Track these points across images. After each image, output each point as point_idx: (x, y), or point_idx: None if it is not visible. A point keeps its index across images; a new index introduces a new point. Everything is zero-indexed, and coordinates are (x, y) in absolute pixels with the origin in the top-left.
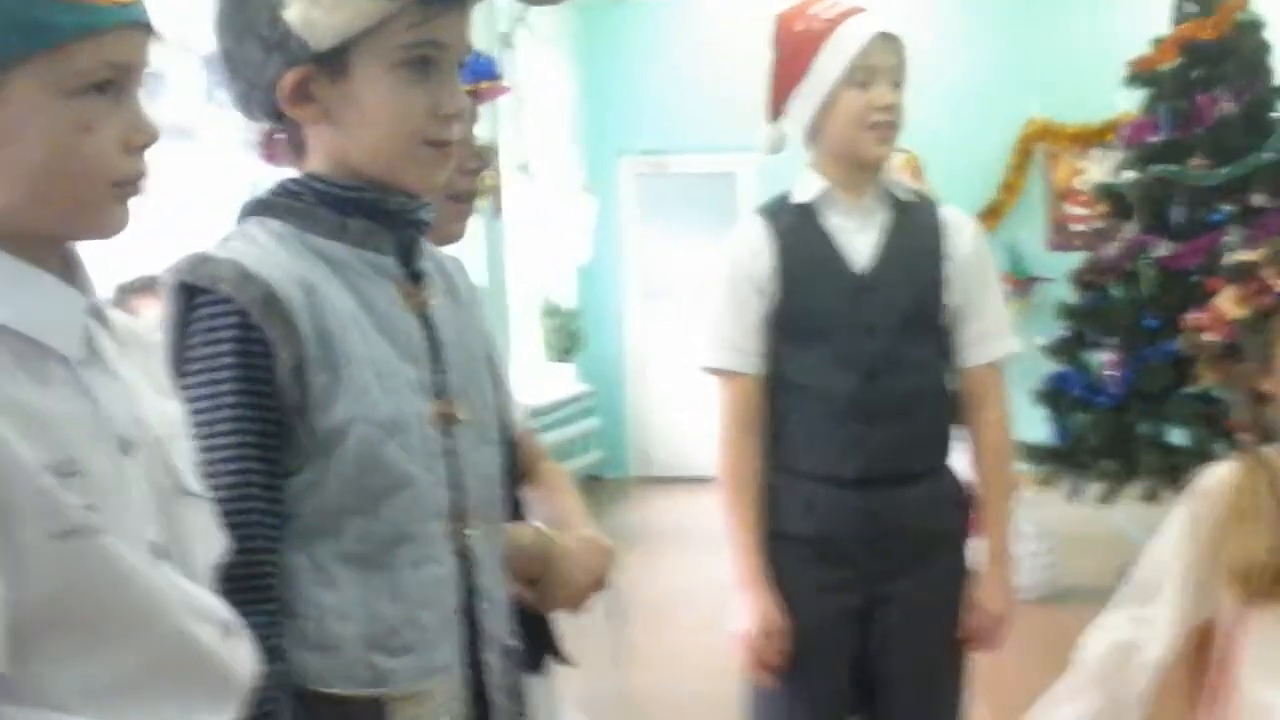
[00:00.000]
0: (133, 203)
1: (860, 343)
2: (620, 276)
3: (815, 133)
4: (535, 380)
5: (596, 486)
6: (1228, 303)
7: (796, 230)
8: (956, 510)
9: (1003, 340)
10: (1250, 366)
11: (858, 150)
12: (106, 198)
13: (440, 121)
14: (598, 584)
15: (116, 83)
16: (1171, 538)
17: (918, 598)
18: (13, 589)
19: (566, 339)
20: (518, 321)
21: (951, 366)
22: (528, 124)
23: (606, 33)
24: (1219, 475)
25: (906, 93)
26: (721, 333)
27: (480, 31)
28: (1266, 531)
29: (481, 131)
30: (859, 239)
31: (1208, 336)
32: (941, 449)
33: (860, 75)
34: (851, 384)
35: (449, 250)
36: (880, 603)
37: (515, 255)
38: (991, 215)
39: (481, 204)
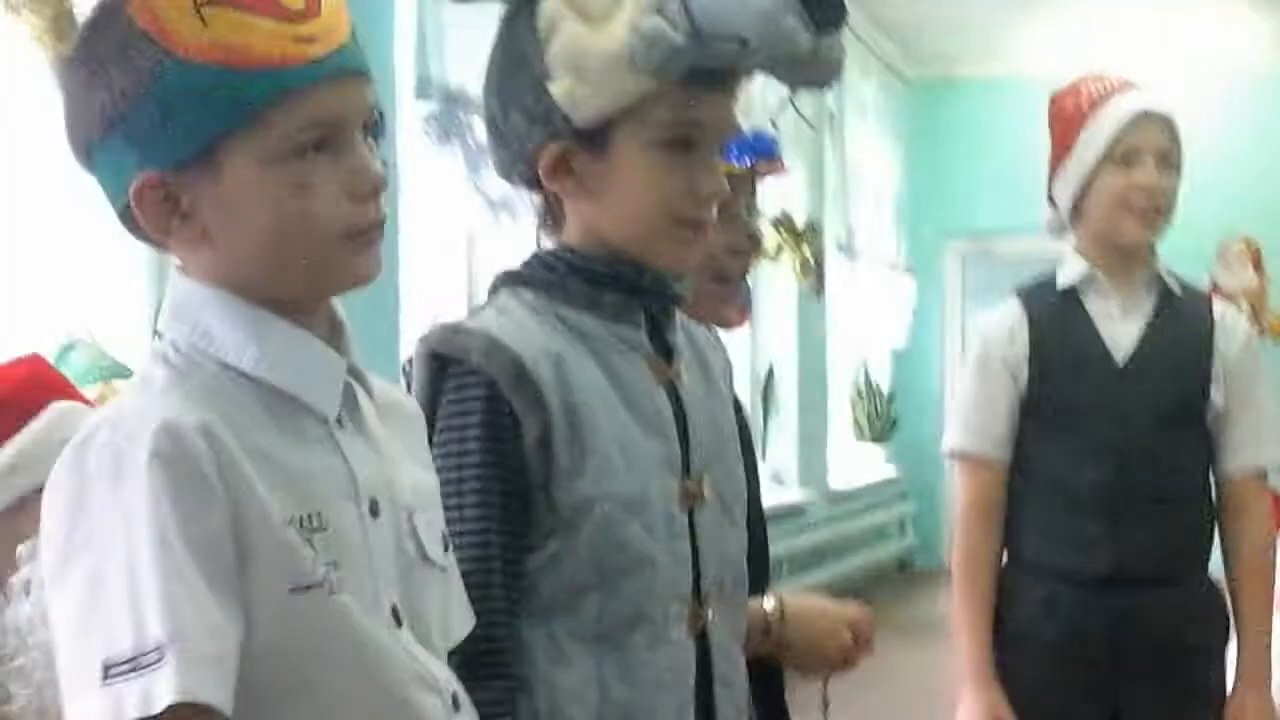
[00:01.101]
0: (373, 249)
1: (1113, 434)
2: (939, 359)
3: (1077, 214)
4: (845, 462)
5: (908, 575)
6: None
7: (1055, 313)
8: (1211, 622)
9: (1269, 447)
10: None
11: (1118, 233)
12: (339, 251)
13: (697, 202)
14: (844, 653)
15: (329, 138)
16: None
17: (1162, 710)
18: (244, 636)
19: (880, 421)
20: (833, 402)
21: (1214, 471)
22: (852, 202)
23: (934, 112)
24: None
25: (1243, 177)
26: (969, 416)
27: (806, 108)
28: None
29: (807, 208)
30: (1121, 327)
31: None
32: (1196, 554)
33: (1122, 154)
34: (1101, 476)
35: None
36: (1123, 712)
37: (834, 335)
38: None
39: (802, 282)
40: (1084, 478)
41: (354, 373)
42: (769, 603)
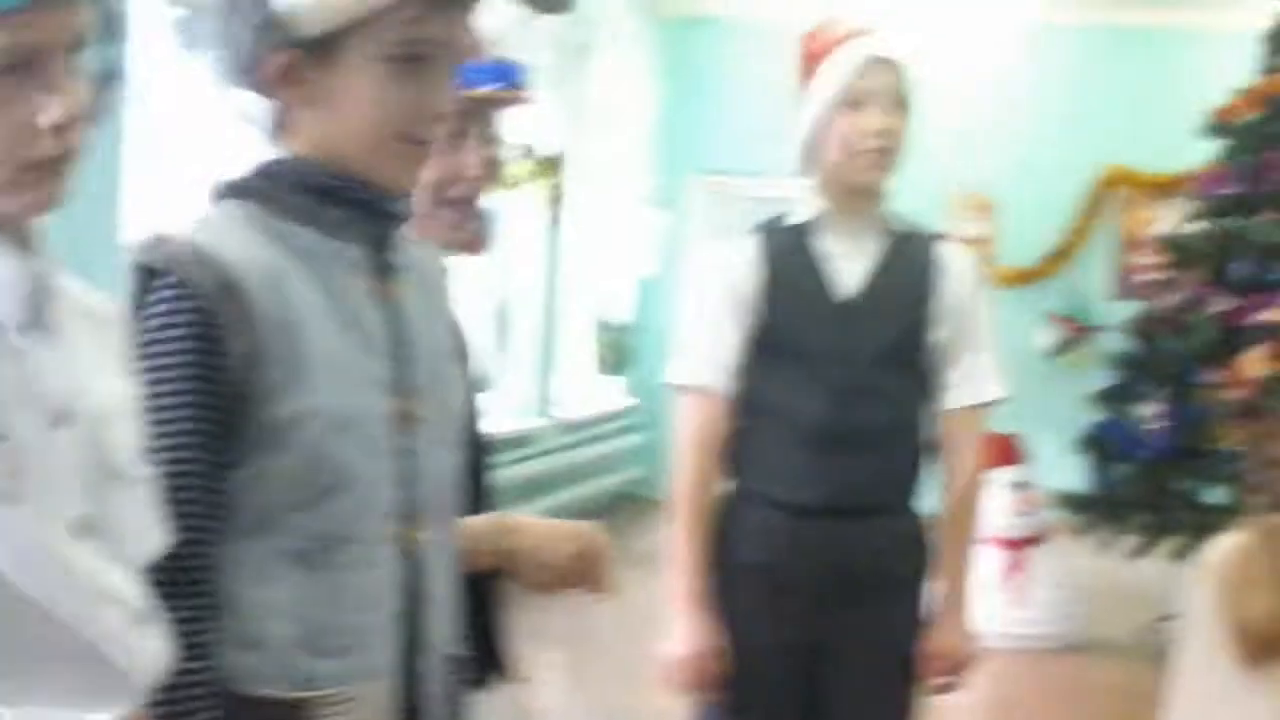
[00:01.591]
0: (52, 181)
1: (836, 370)
2: (680, 294)
3: (812, 155)
4: (583, 392)
5: (635, 505)
6: (1251, 362)
7: (787, 251)
8: (917, 551)
9: (986, 385)
10: (1265, 428)
11: (849, 174)
12: (20, 179)
13: (423, 120)
14: (574, 572)
15: (25, 64)
16: (1201, 608)
17: (869, 636)
18: None
19: (617, 353)
20: (571, 332)
21: (931, 406)
22: (600, 134)
23: (687, 49)
24: (1229, 543)
25: (979, 131)
26: (695, 349)
27: (559, 39)
28: (1269, 596)
29: (556, 139)
30: (849, 266)
31: (1231, 394)
32: (907, 488)
33: (852, 97)
34: (821, 411)
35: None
36: (831, 638)
37: (575, 266)
38: (1059, 259)
39: (548, 212)
40: (806, 412)
41: (39, 279)
42: (494, 519)
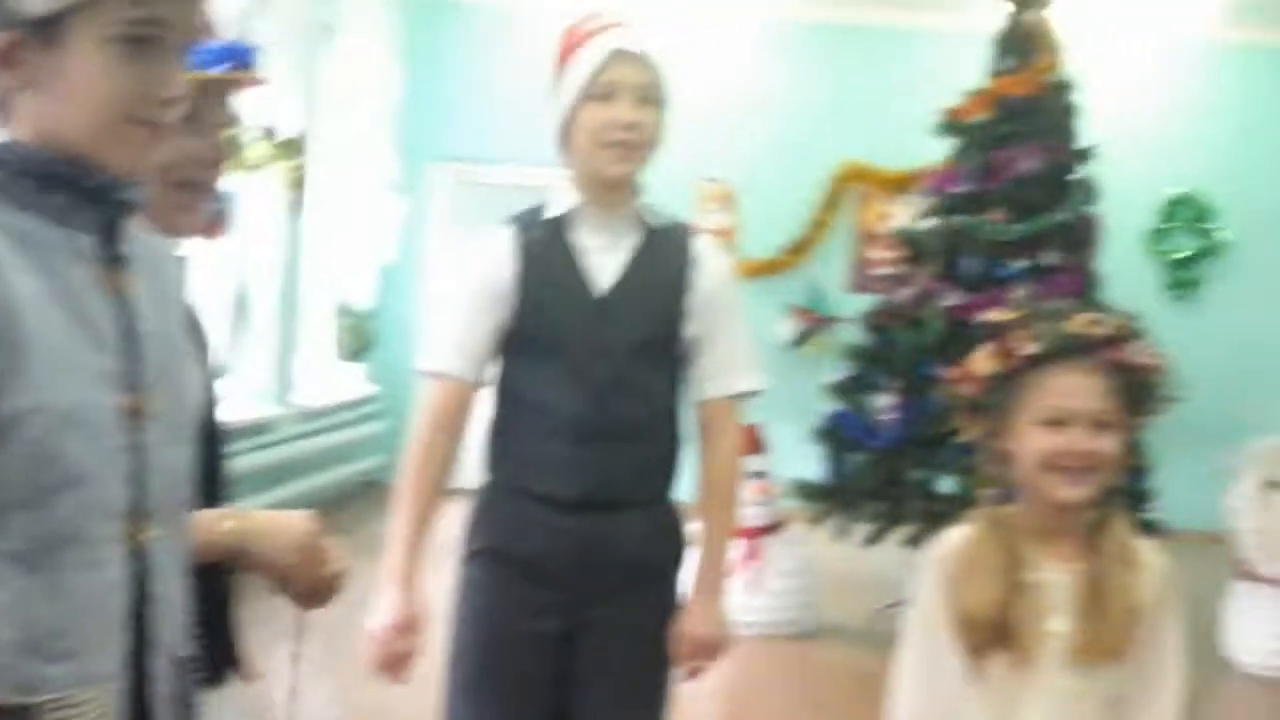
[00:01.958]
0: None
1: (593, 365)
2: (422, 281)
3: (564, 148)
4: (323, 380)
5: (375, 492)
6: (979, 359)
7: (543, 244)
8: (671, 541)
9: (741, 376)
10: (992, 425)
11: (598, 167)
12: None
13: (153, 102)
14: (303, 563)
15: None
16: (928, 596)
17: (622, 625)
18: None
19: (358, 340)
20: (311, 318)
21: (687, 398)
22: (342, 118)
23: (435, 33)
24: (956, 534)
25: (722, 124)
26: (445, 338)
27: (299, 19)
28: (992, 588)
29: (296, 121)
30: (604, 259)
31: (960, 390)
32: (664, 479)
33: (601, 90)
34: (580, 405)
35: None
36: (584, 628)
37: (315, 251)
38: (798, 251)
39: (288, 196)
40: (564, 406)
41: None
42: (224, 518)
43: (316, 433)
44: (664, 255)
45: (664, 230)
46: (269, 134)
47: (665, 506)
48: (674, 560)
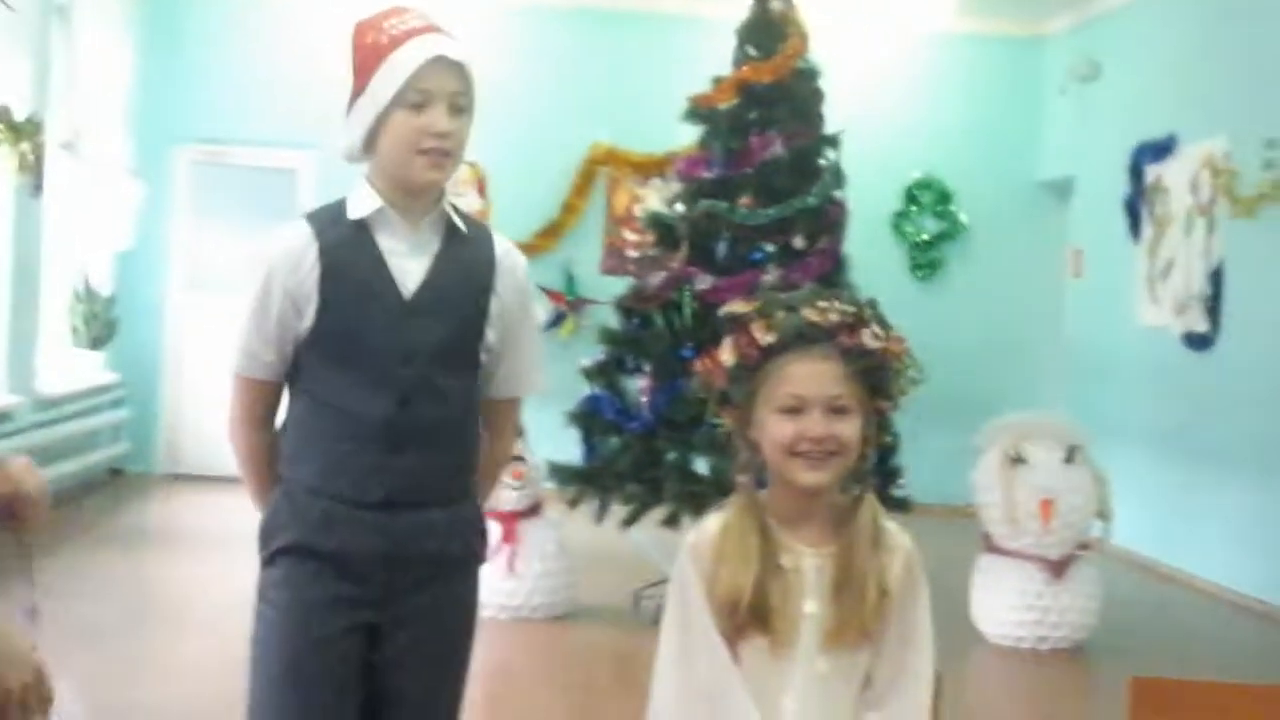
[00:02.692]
0: None
1: (397, 369)
2: (163, 266)
3: (370, 149)
4: (62, 367)
5: (119, 480)
6: (724, 350)
7: (345, 245)
8: (473, 535)
9: (532, 379)
10: (738, 414)
11: (408, 174)
12: None
13: None
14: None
15: None
16: (686, 578)
17: (428, 616)
18: None
19: (98, 326)
20: (50, 305)
21: (483, 398)
22: (80, 99)
23: (173, 14)
24: (713, 518)
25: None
26: (249, 339)
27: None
28: (746, 571)
29: (28, 102)
30: (408, 264)
31: (710, 381)
32: (465, 478)
33: (415, 98)
34: (385, 409)
35: None
36: (391, 620)
37: (53, 236)
38: (550, 234)
39: (20, 179)
40: (368, 410)
41: None
42: None
43: (56, 421)
44: (467, 260)
45: (466, 235)
46: (2, 115)
47: (468, 502)
48: (476, 553)
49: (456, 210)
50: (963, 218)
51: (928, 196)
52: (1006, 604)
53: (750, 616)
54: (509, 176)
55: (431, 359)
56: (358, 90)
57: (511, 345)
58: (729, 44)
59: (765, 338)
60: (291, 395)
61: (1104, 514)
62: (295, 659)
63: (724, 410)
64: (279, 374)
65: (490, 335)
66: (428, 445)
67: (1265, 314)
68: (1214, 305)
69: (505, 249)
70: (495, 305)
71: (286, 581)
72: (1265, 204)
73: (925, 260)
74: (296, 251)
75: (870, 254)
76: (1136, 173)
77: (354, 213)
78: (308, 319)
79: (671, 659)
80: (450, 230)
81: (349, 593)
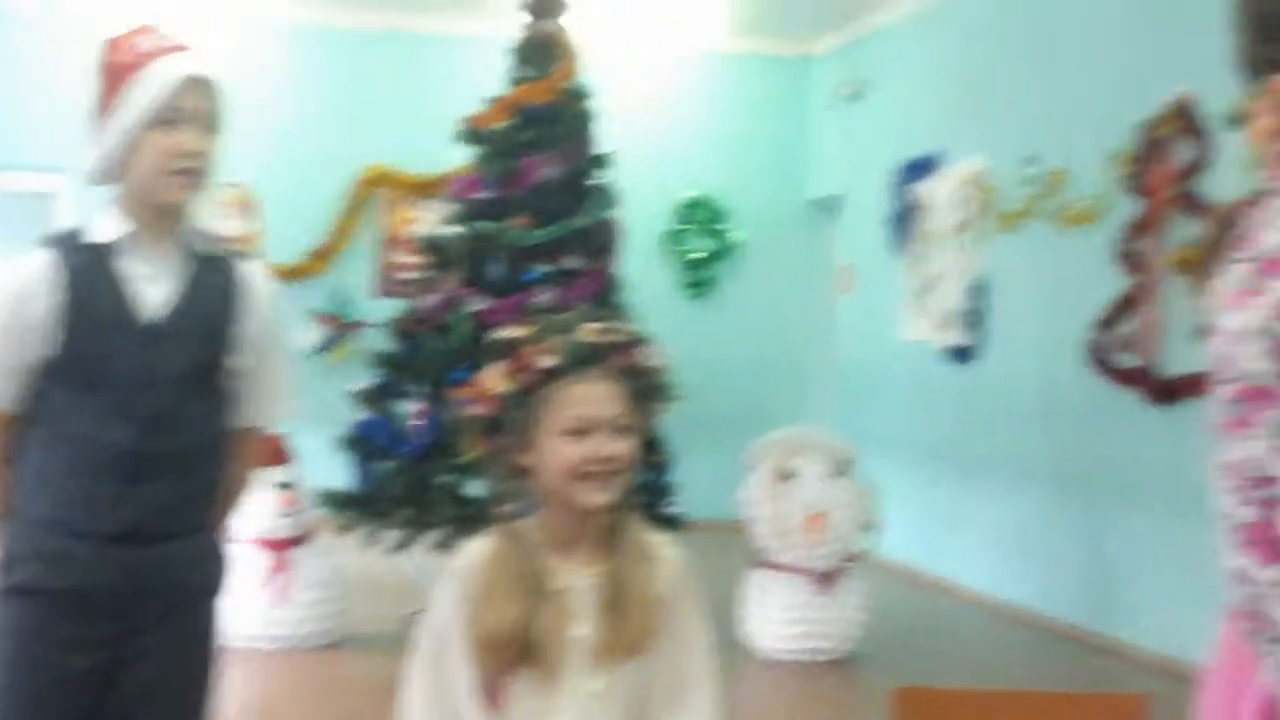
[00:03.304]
0: None
1: (140, 397)
2: None
3: (118, 171)
4: None
5: None
6: (492, 377)
7: (87, 271)
8: (215, 566)
9: (280, 407)
10: (512, 441)
11: (159, 194)
12: None
13: None
14: None
15: None
16: (443, 610)
17: (170, 648)
18: None
19: None
20: None
21: (230, 426)
22: None
23: None
24: (475, 551)
25: (237, 129)
26: None
27: None
28: (514, 604)
29: None
30: (153, 288)
31: (474, 410)
32: (208, 506)
33: (166, 117)
34: (126, 439)
35: None
36: (128, 659)
37: None
38: (322, 257)
39: None
40: (109, 439)
41: None
42: None
43: None
44: (213, 284)
45: (213, 258)
46: None
47: (208, 533)
48: (217, 584)
49: (205, 233)
50: (735, 236)
51: (700, 215)
52: (776, 618)
53: (518, 653)
54: (280, 199)
55: (176, 386)
56: (106, 109)
57: (260, 371)
58: (499, 64)
59: (544, 361)
60: (32, 426)
61: (870, 526)
62: (25, 705)
63: (487, 439)
64: (18, 404)
65: (237, 361)
66: (170, 474)
67: (1025, 328)
68: (975, 320)
69: (253, 273)
70: (242, 331)
71: (17, 625)
72: (1024, 220)
73: (698, 279)
74: (35, 280)
75: (644, 273)
76: (901, 190)
77: (97, 237)
78: (47, 347)
79: (419, 690)
80: (197, 254)
81: (83, 633)
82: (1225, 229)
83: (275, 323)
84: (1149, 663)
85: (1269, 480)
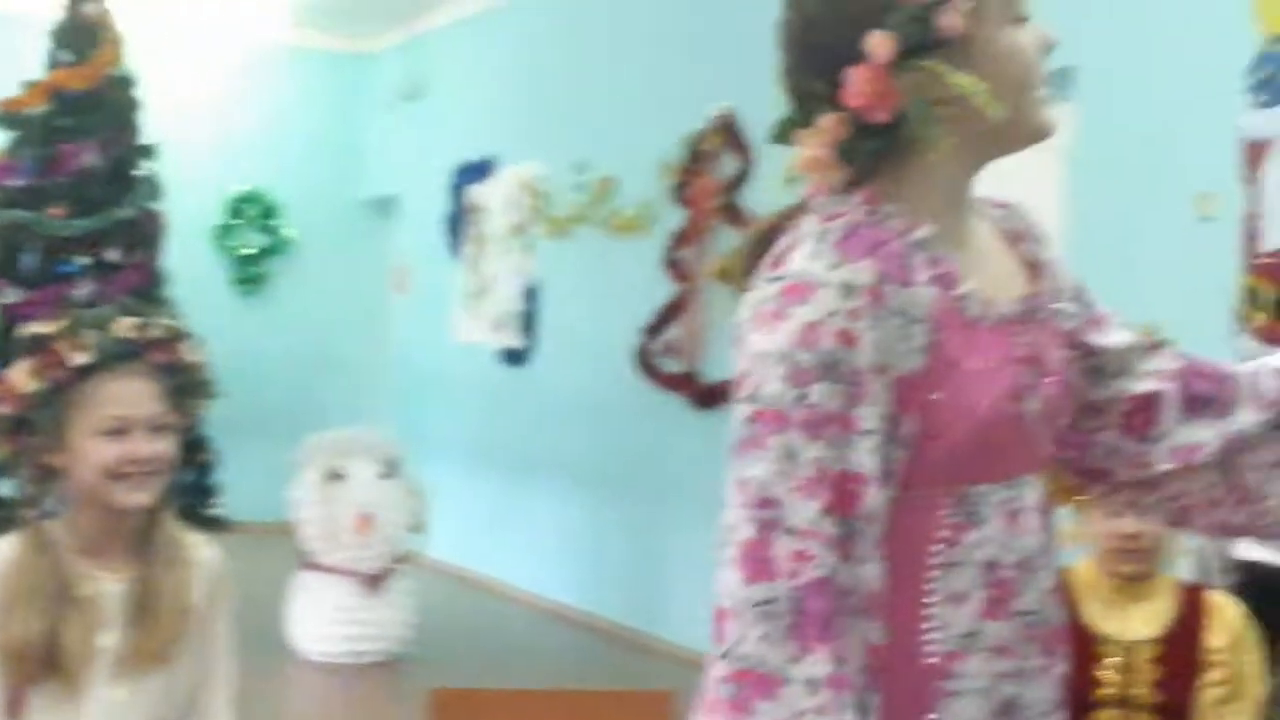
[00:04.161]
0: None
1: None
2: None
3: None
4: None
5: None
6: (20, 375)
7: None
8: None
9: None
10: (41, 441)
11: None
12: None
13: None
14: None
15: None
16: None
17: None
18: None
19: None
20: None
21: None
22: None
23: None
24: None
25: None
26: None
27: None
28: (38, 615)
29: None
30: None
31: (0, 408)
32: None
33: None
34: None
35: None
36: None
37: None
38: None
39: None
40: None
41: None
42: None
43: None
44: None
45: None
46: None
47: None
48: None
49: None
50: (288, 232)
51: (253, 210)
52: (323, 619)
53: (41, 665)
54: None
55: None
56: None
57: None
58: (43, 46)
59: (76, 358)
60: None
61: (419, 527)
62: None
63: (14, 440)
64: None
65: None
66: None
67: (576, 331)
68: (528, 322)
69: None
70: None
71: None
72: (576, 225)
73: (249, 275)
74: None
75: (191, 267)
76: (458, 192)
77: None
78: None
79: None
80: None
81: None
82: (762, 243)
83: None
84: (691, 660)
85: (771, 502)
